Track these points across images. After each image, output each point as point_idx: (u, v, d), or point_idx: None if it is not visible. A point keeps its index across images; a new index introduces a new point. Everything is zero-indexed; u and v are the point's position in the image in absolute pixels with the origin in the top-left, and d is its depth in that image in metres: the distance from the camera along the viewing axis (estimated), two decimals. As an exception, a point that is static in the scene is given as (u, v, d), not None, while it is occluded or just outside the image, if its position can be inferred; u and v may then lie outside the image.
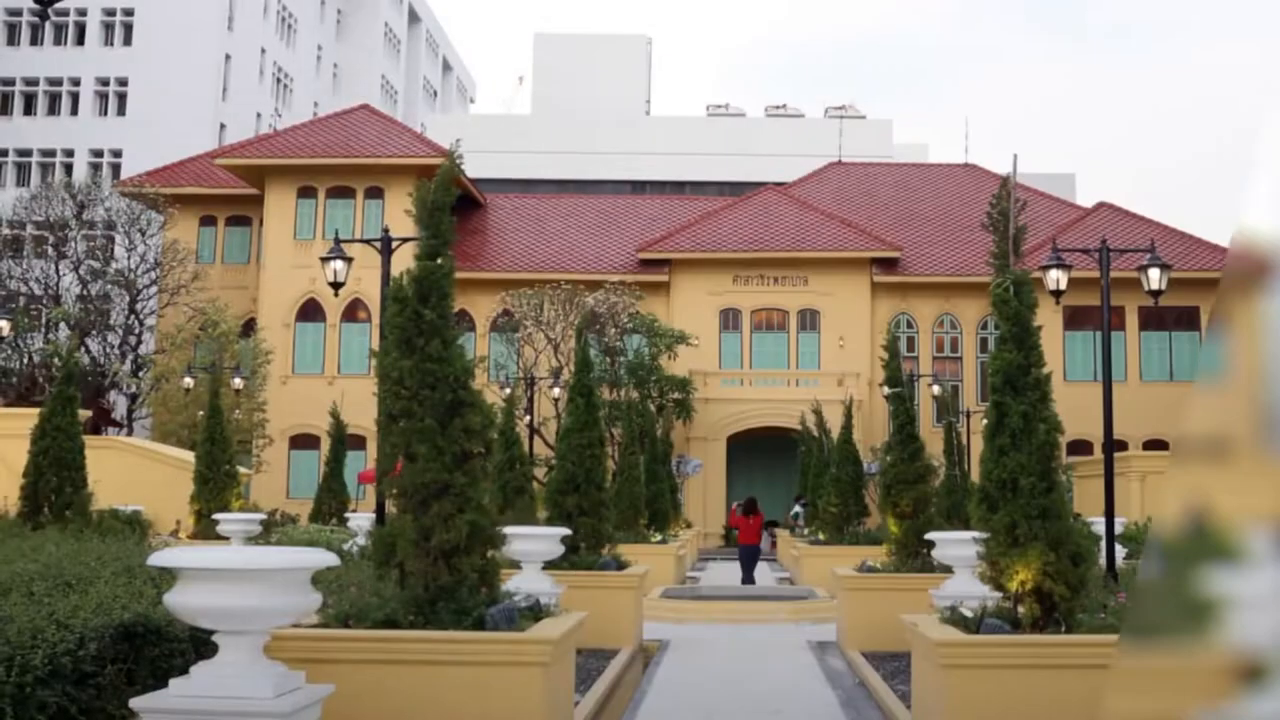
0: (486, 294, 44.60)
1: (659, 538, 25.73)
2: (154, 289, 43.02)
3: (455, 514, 7.74)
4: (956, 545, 11.93)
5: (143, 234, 43.00)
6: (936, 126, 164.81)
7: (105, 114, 57.27)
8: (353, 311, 44.71)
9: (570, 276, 43.12)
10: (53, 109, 57.82)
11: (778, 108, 78.73)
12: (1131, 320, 44.39)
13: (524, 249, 48.13)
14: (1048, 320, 17.87)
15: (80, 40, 57.42)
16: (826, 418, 33.88)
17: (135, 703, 5.68)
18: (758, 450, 45.16)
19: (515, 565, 11.85)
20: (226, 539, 19.71)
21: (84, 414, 18.87)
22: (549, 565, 12.69)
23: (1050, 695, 7.62)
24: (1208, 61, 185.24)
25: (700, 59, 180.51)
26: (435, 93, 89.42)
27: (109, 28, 57.64)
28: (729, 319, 46.99)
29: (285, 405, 42.53)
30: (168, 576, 7.03)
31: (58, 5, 15.69)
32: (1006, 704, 7.62)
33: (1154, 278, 17.15)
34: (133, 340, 42.18)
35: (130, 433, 40.54)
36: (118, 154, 55.96)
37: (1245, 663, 1.61)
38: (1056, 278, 16.72)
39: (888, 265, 46.67)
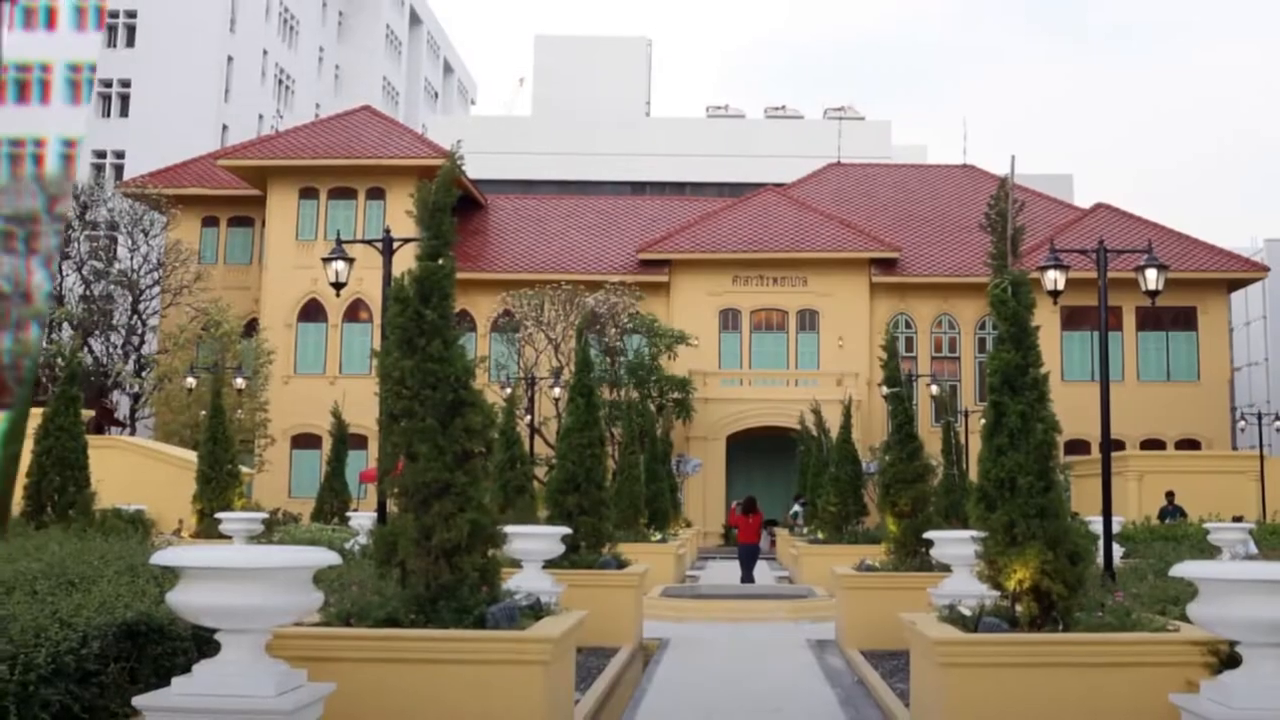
0: (487, 294, 44.65)
1: (659, 537, 25.76)
2: (156, 289, 43.08)
3: (456, 513, 7.77)
4: (955, 544, 11.96)
5: (145, 234, 43.06)
6: (936, 127, 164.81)
7: (108, 115, 57.28)
8: (354, 312, 44.77)
9: (570, 277, 43.16)
10: (54, 110, 57.81)
11: (777, 109, 78.76)
12: (1129, 320, 44.41)
13: (524, 249, 48.17)
14: (1045, 320, 17.92)
15: (82, 41, 57.41)
16: (825, 417, 33.93)
17: (138, 701, 5.72)
18: (757, 450, 45.19)
19: (516, 564, 11.89)
20: (229, 538, 19.72)
21: (87, 414, 18.89)
22: (549, 564, 12.73)
23: (1048, 693, 7.66)
24: (1208, 62, 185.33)
25: (700, 60, 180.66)
26: (436, 94, 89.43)
27: (112, 29, 57.58)
28: (729, 319, 47.03)
29: (287, 405, 42.59)
30: (170, 575, 7.05)
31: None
32: (1005, 702, 7.65)
33: (1151, 278, 17.17)
34: (135, 340, 42.24)
35: (133, 432, 40.59)
36: (120, 155, 55.99)
37: None
38: (1054, 278, 16.75)
39: (886, 266, 46.71)
